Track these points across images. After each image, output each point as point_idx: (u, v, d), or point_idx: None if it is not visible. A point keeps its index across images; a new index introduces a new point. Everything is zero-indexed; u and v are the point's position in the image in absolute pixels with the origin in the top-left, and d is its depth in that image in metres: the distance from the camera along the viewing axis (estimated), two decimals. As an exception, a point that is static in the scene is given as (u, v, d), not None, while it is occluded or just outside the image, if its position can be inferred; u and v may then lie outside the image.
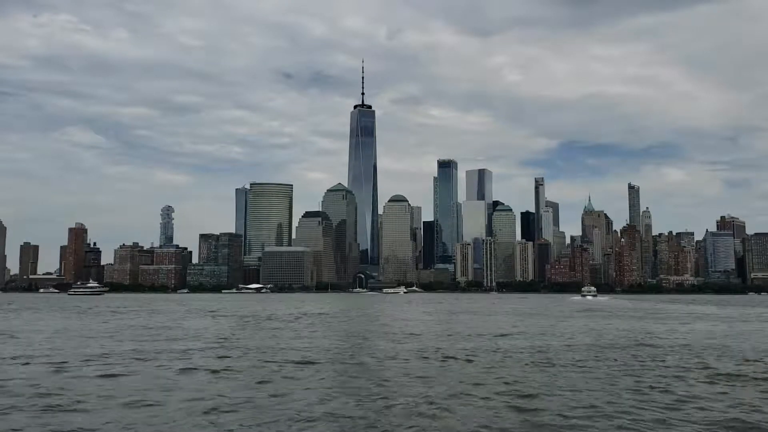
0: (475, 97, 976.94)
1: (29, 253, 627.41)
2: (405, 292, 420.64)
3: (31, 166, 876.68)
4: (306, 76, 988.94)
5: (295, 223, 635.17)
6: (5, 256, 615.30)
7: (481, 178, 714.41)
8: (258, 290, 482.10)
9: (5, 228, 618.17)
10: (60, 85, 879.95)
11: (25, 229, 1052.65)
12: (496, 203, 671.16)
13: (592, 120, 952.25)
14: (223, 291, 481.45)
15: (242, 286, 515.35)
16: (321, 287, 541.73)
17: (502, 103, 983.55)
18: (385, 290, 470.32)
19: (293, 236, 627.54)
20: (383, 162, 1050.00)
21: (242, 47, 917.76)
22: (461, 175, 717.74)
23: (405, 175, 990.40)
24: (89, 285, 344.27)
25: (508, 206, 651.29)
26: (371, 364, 34.98)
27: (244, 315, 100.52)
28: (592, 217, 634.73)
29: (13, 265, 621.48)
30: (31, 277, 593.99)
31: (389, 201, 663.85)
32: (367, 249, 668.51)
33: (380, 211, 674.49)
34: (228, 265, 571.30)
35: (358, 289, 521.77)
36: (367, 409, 22.08)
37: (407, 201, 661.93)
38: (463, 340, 50.40)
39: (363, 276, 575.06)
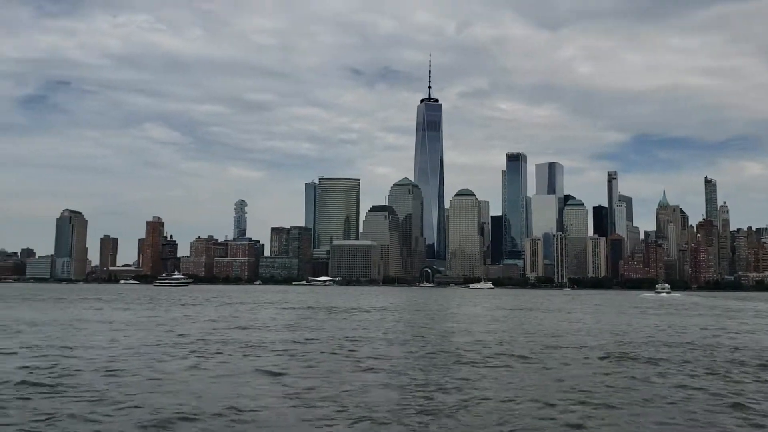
0: (544, 90, 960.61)
1: (109, 245, 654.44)
2: (478, 287, 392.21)
3: (111, 162, 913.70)
4: (374, 72, 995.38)
5: (362, 217, 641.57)
6: (87, 248, 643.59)
7: (551, 171, 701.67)
8: (326, 283, 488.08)
9: (86, 221, 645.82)
10: (138, 83, 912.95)
11: (105, 222, 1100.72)
12: (567, 197, 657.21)
13: (666, 112, 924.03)
14: (293, 283, 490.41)
15: (312, 278, 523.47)
16: (388, 281, 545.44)
17: (572, 95, 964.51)
18: (453, 285, 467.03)
19: (360, 230, 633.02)
20: (450, 156, 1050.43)
21: (313, 45, 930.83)
22: (530, 168, 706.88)
23: (472, 169, 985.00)
24: (174, 276, 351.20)
25: (579, 201, 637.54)
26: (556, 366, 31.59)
27: (385, 308, 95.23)
28: (667, 212, 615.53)
29: (93, 257, 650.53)
30: (110, 268, 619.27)
31: (456, 195, 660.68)
32: (433, 243, 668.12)
33: (446, 205, 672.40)
34: (298, 257, 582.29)
35: (424, 284, 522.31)
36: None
37: (474, 195, 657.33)
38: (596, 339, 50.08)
39: (429, 270, 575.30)
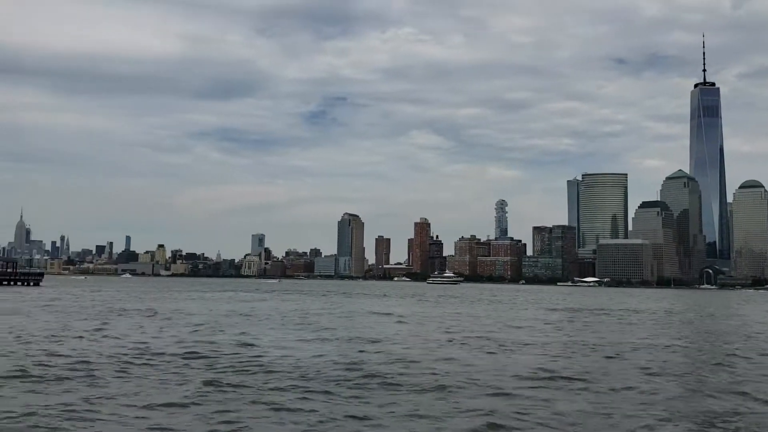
0: None
1: (383, 245, 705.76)
2: None
3: (383, 168, 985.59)
4: (640, 59, 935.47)
5: (630, 214, 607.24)
6: (364, 248, 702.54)
7: None
8: (590, 284, 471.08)
9: (363, 223, 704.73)
10: (405, 93, 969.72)
11: (379, 223, 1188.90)
12: None
13: None
14: (558, 283, 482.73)
15: (578, 279, 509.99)
16: (662, 282, 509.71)
17: None
18: (739, 287, 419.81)
19: (629, 228, 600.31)
20: (731, 144, 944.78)
21: (570, 38, 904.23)
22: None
23: (759, 157, 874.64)
24: (446, 275, 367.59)
25: None
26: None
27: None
28: None
29: (370, 256, 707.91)
30: (385, 266, 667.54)
31: (740, 187, 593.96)
32: (714, 241, 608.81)
33: (729, 198, 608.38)
34: (562, 257, 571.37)
35: (705, 285, 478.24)
36: None
37: (763, 186, 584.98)
38: None
39: (711, 271, 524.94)
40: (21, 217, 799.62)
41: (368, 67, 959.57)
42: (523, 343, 39.46)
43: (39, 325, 45.68)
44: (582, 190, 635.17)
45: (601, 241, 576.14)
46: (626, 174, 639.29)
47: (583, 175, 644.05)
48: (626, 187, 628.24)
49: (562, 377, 26.01)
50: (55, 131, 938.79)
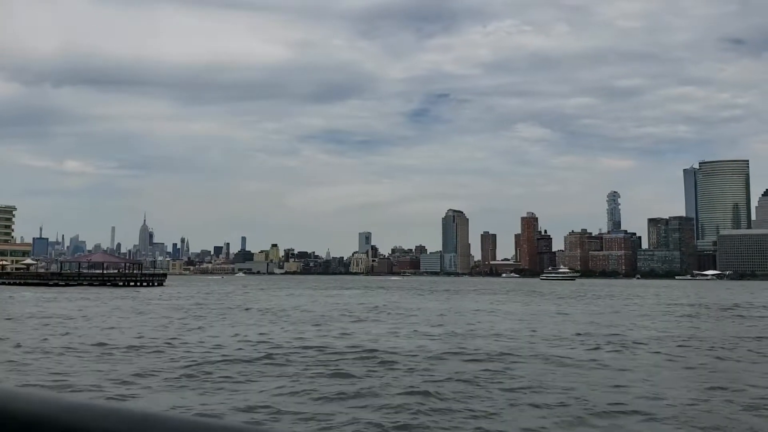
0: None
1: (488, 241, 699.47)
2: None
3: (487, 163, 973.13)
4: (760, 39, 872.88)
5: (754, 203, 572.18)
6: (469, 244, 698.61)
7: None
8: (707, 277, 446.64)
9: (467, 219, 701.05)
10: (508, 86, 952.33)
11: (484, 219, 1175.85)
12: None
13: None
14: (676, 277, 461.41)
15: (697, 272, 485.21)
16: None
17: None
18: None
19: (753, 217, 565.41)
20: None
21: (684, 20, 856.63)
22: None
23: None
24: (560, 270, 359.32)
25: None
26: None
27: None
28: None
29: (475, 252, 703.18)
30: (491, 263, 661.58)
31: None
32: None
33: None
34: (680, 250, 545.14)
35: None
36: None
37: None
38: None
39: None
40: (144, 221, 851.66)
41: (471, 62, 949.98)
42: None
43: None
44: (700, 179, 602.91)
45: (722, 232, 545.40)
46: (747, 160, 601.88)
47: (700, 163, 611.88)
48: (748, 175, 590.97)
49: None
50: (173, 139, 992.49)
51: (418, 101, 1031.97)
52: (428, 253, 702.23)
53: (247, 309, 67.34)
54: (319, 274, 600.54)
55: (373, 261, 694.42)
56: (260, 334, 39.61)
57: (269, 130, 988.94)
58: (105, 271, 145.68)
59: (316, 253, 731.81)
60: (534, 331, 44.21)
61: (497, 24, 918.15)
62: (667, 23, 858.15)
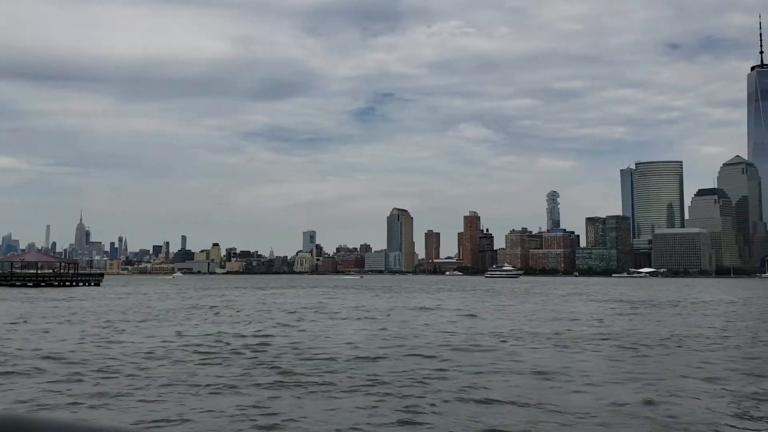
0: None
1: (432, 239, 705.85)
2: None
3: (431, 162, 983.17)
4: (695, 43, 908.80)
5: (687, 203, 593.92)
6: (414, 242, 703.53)
7: None
8: (642, 275, 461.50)
9: (412, 218, 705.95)
10: (452, 87, 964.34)
11: (429, 218, 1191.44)
12: None
13: None
14: (613, 275, 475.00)
15: (633, 270, 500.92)
16: (721, 272, 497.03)
17: None
18: None
19: (686, 216, 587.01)
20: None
21: (624, 23, 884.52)
22: None
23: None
24: (504, 268, 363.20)
25: None
26: None
27: None
28: None
29: (419, 251, 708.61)
30: (435, 261, 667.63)
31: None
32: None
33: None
34: (617, 248, 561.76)
35: (766, 275, 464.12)
36: None
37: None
38: None
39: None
40: (81, 219, 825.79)
41: (415, 62, 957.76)
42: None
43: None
44: (636, 179, 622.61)
45: (657, 231, 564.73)
46: (681, 161, 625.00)
47: (636, 164, 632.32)
48: (681, 175, 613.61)
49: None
50: (113, 136, 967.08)
51: (364, 100, 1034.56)
52: (373, 251, 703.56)
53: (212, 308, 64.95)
54: (262, 273, 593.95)
55: (318, 260, 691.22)
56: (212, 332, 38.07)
57: (212, 127, 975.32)
58: (39, 271, 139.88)
59: (259, 253, 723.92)
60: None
61: (441, 25, 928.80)
62: (606, 26, 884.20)
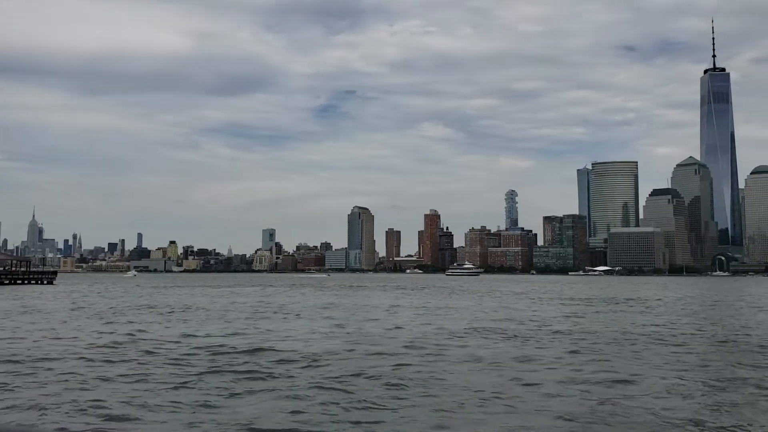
0: None
1: (393, 237, 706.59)
2: None
3: (393, 161, 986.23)
4: (651, 46, 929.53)
5: (641, 202, 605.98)
6: (374, 241, 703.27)
7: None
8: (597, 272, 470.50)
9: (373, 216, 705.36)
10: (413, 86, 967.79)
11: (390, 216, 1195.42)
12: None
13: None
14: (569, 273, 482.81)
15: (589, 268, 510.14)
16: (674, 270, 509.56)
17: None
18: (751, 274, 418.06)
19: (641, 216, 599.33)
20: (743, 130, 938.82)
21: (582, 26, 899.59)
22: None
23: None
24: (465, 266, 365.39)
25: None
26: None
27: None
28: None
29: (380, 249, 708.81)
30: (395, 259, 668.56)
31: (752, 173, 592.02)
32: (726, 228, 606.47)
33: (741, 185, 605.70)
34: (573, 247, 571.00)
35: (717, 273, 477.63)
36: None
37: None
38: None
39: (723, 258, 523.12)
40: (33, 216, 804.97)
41: (377, 60, 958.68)
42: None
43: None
44: (592, 179, 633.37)
45: (612, 230, 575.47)
46: (636, 162, 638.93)
47: (593, 164, 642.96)
48: (636, 175, 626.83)
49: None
50: (68, 131, 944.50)
51: (325, 97, 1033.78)
52: (334, 249, 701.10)
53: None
54: (219, 272, 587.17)
55: (277, 258, 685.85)
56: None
57: (169, 123, 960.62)
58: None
59: (217, 251, 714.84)
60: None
61: (403, 23, 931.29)
62: (565, 28, 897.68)
